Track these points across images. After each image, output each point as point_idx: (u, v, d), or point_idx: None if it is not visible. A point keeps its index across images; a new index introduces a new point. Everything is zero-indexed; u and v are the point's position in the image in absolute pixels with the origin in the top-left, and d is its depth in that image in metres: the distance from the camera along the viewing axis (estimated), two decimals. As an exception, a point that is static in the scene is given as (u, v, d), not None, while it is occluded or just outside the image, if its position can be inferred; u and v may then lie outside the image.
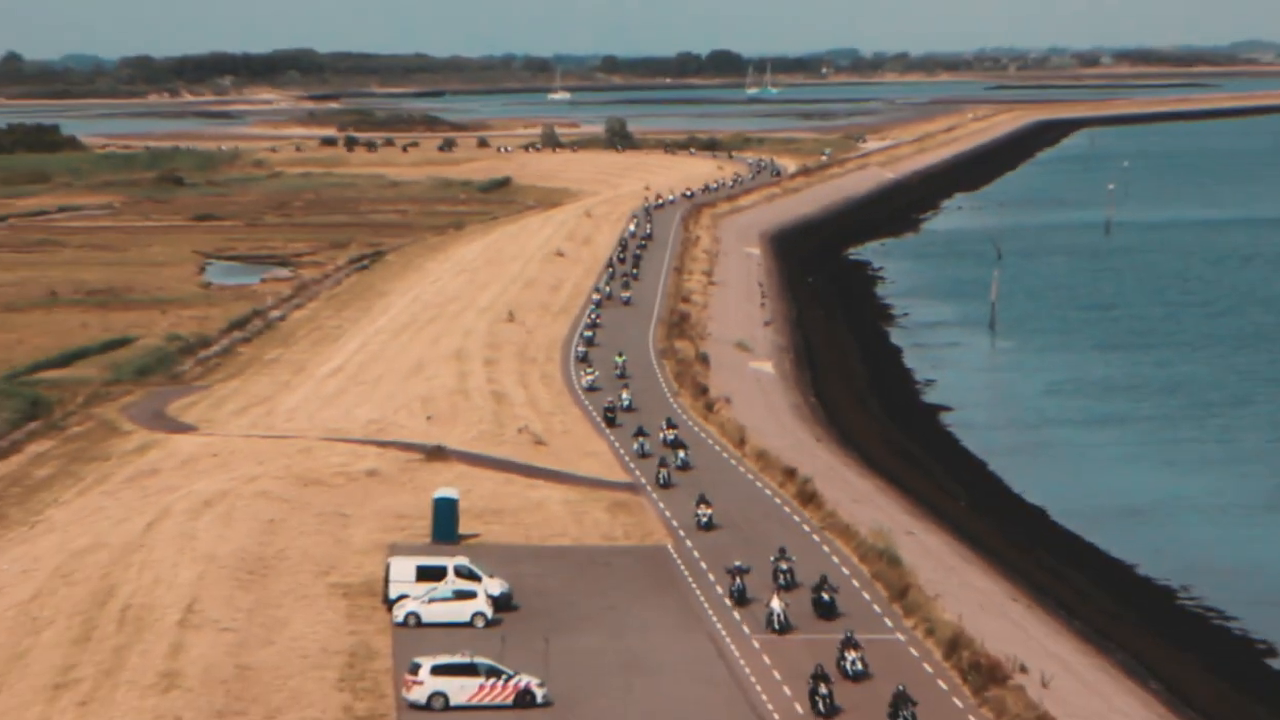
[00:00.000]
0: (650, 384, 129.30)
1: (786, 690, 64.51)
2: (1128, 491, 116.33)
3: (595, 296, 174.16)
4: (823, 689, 61.52)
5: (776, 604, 71.48)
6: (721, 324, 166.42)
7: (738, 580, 75.36)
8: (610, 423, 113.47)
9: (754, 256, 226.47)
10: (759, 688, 64.60)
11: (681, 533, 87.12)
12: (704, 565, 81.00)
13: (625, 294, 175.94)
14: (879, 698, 61.16)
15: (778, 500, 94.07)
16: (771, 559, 77.36)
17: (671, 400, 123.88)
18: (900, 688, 60.08)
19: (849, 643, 65.62)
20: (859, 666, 64.82)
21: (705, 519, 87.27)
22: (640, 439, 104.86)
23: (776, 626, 70.76)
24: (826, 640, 68.14)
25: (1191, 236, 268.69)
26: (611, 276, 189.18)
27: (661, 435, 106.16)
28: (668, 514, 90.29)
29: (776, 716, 62.30)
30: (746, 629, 71.54)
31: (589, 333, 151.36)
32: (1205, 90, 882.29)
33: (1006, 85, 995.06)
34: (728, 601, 74.82)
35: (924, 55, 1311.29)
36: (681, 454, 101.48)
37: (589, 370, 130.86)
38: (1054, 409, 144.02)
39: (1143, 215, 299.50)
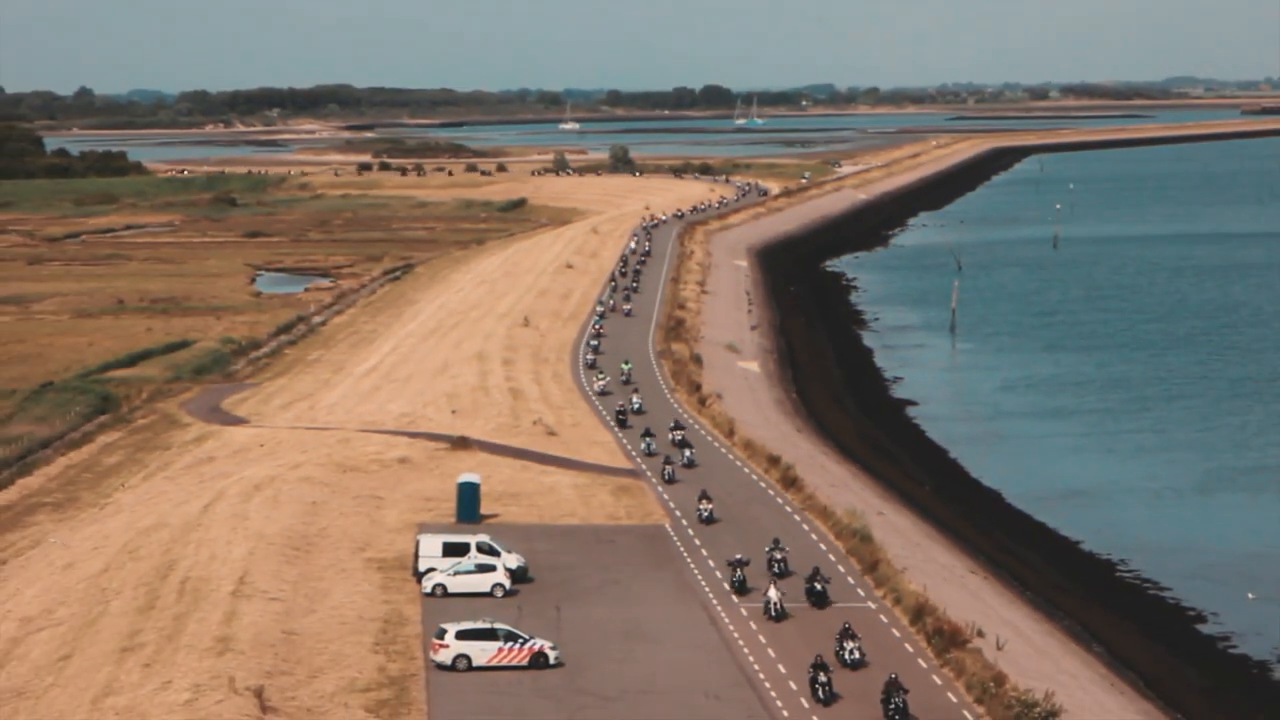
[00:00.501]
0: (650, 381, 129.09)
1: (769, 652, 64.43)
2: (1073, 476, 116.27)
3: (599, 309, 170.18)
4: (822, 678, 59.41)
5: (773, 593, 69.01)
6: (713, 328, 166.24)
7: (738, 572, 72.77)
8: (622, 424, 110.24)
9: (742, 268, 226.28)
10: (757, 668, 62.97)
11: (678, 512, 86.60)
12: (698, 542, 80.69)
13: (627, 306, 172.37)
14: (876, 685, 59.19)
15: (763, 484, 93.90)
16: (766, 549, 75.13)
17: (669, 396, 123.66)
18: (893, 676, 58.43)
19: (847, 633, 63.30)
20: (856, 655, 62.54)
21: (706, 513, 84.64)
22: (647, 439, 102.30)
23: (773, 614, 68.47)
24: (821, 627, 66.61)
25: (1129, 250, 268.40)
26: (614, 290, 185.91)
27: (670, 436, 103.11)
28: (671, 505, 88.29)
29: (762, 675, 62.27)
30: (745, 613, 69.43)
31: (595, 341, 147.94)
32: (1141, 121, 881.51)
33: (965, 116, 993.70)
34: (728, 589, 72.38)
35: (892, 90, 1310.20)
36: (687, 453, 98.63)
37: (600, 376, 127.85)
38: (1008, 403, 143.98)
39: (1086, 231, 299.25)
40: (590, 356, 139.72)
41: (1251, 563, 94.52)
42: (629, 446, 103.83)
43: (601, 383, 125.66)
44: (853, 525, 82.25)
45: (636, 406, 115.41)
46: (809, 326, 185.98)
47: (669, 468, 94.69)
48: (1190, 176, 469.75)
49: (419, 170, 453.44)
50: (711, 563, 77.05)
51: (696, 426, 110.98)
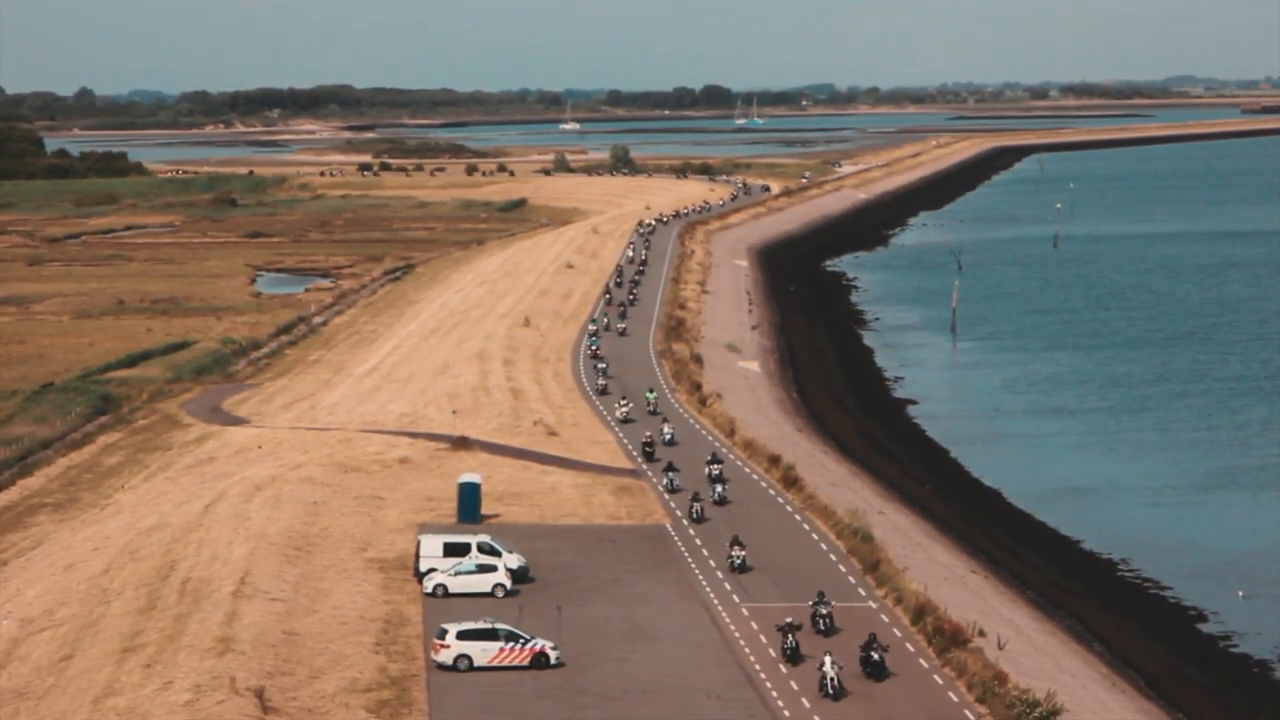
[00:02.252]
0: (652, 381, 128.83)
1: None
2: (1074, 475, 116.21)
3: (591, 328, 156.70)
4: None
5: (829, 666, 59.92)
6: (714, 328, 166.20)
7: (790, 638, 63.61)
8: (649, 457, 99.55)
9: (742, 268, 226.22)
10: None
11: (711, 561, 78.68)
12: (699, 542, 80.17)
13: (621, 325, 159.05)
14: None
15: (764, 484, 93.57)
16: (810, 603, 67.73)
17: (670, 396, 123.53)
18: None
19: None
20: None
21: (739, 560, 75.92)
22: (670, 474, 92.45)
23: (830, 691, 59.52)
24: (886, 707, 59.41)
25: (1129, 249, 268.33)
26: (609, 303, 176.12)
27: (707, 470, 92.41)
28: (704, 551, 79.35)
29: (762, 673, 62.11)
30: (798, 688, 61.12)
31: (602, 365, 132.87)
32: (1142, 120, 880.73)
33: (966, 116, 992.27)
34: (776, 657, 63.94)
35: (892, 89, 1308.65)
36: (719, 489, 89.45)
37: (624, 403, 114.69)
38: (1008, 402, 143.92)
39: (1087, 230, 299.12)
40: (601, 381, 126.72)
41: (1252, 561, 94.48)
42: (629, 446, 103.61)
43: (624, 409, 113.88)
44: (853, 525, 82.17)
45: (668, 437, 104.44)
46: (809, 326, 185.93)
47: (697, 505, 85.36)
48: (1190, 175, 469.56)
49: (444, 170, 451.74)
50: (713, 563, 76.46)
51: (698, 425, 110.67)
